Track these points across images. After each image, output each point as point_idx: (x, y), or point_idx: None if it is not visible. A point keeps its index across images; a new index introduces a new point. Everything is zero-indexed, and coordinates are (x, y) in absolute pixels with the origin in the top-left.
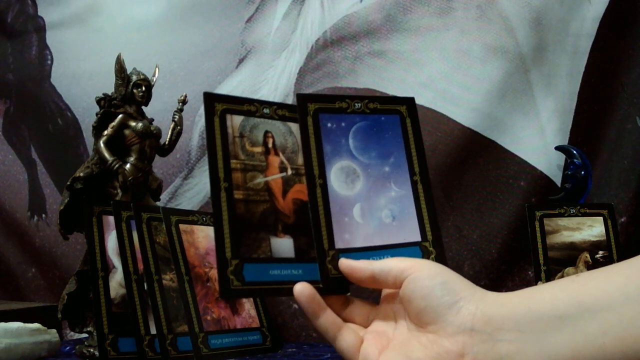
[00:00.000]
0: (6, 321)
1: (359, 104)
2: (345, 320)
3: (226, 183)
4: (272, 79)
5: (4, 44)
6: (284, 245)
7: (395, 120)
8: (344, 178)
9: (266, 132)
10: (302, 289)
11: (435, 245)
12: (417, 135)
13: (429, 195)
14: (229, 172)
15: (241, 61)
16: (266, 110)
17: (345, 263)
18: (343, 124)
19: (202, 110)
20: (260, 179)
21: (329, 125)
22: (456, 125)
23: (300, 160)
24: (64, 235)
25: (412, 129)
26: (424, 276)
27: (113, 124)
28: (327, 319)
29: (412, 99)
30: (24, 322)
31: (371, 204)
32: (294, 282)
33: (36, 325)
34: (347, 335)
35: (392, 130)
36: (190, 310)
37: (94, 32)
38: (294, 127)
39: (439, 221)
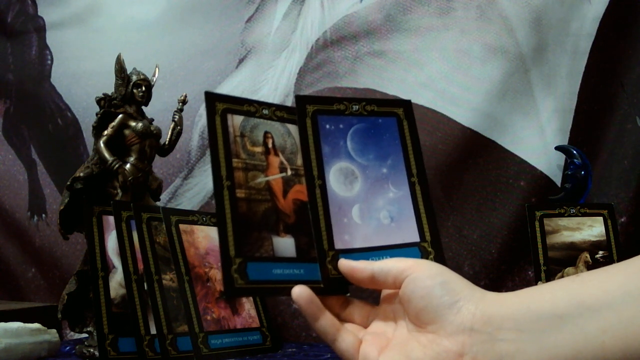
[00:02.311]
0: (6, 321)
1: (357, 106)
2: (345, 320)
3: (229, 181)
4: (272, 79)
5: (4, 44)
6: (285, 244)
7: (392, 122)
8: (342, 179)
9: (266, 133)
10: (301, 292)
11: (433, 245)
12: (414, 137)
13: (426, 196)
14: (231, 170)
15: (241, 61)
16: (265, 111)
17: (344, 264)
18: (341, 126)
19: (202, 111)
20: (261, 178)
21: (327, 126)
22: (456, 125)
23: (299, 161)
24: (64, 235)
25: (409, 131)
26: (424, 276)
27: (113, 124)
28: (326, 321)
29: (409, 101)
30: (24, 322)
31: (369, 205)
32: (296, 282)
33: (36, 325)
34: (345, 337)
35: (389, 132)
36: (190, 310)
37: (94, 32)
38: (293, 128)
39: (437, 222)
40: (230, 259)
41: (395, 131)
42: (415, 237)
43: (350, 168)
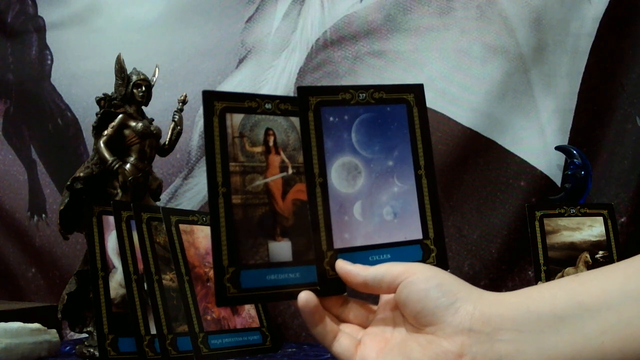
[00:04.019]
0: (6, 321)
1: (364, 94)
2: (344, 320)
3: (224, 188)
4: (272, 79)
5: (4, 44)
6: (282, 248)
7: (401, 110)
8: (345, 175)
9: (267, 130)
10: (307, 300)
11: (436, 242)
12: (424, 126)
13: (433, 190)
14: (228, 176)
15: (241, 61)
16: (268, 106)
17: (340, 266)
18: (346, 117)
19: (202, 110)
20: (259, 182)
21: (331, 119)
22: (456, 125)
23: (301, 157)
24: (64, 235)
25: (419, 119)
26: (419, 279)
27: (113, 124)
28: (324, 326)
29: (421, 85)
30: (24, 322)
31: (372, 201)
32: (291, 286)
33: (36, 325)
34: (342, 340)
35: (397, 121)
36: (190, 310)
37: (94, 32)
38: (297, 121)
39: (442, 218)
40: (223, 269)
41: (404, 119)
42: (418, 234)
43: (353, 162)
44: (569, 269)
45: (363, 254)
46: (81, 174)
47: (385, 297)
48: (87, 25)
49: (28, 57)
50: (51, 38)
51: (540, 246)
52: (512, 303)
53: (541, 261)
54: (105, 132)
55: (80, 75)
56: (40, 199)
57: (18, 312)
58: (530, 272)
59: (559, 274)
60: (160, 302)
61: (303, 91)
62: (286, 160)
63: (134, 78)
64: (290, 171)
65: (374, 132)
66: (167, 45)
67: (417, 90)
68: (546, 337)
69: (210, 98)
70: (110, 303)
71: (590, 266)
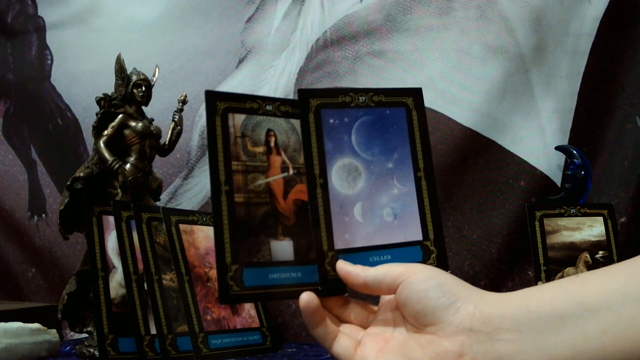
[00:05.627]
0: (6, 321)
1: (363, 97)
2: (345, 321)
3: (227, 186)
4: (272, 79)
5: (4, 44)
6: (283, 248)
7: (400, 113)
8: (345, 176)
9: (268, 131)
10: (309, 301)
11: (436, 243)
12: (422, 129)
13: (432, 192)
14: (230, 174)
15: (241, 61)
16: (269, 107)
17: (341, 266)
18: (346, 120)
19: (202, 110)
20: (261, 181)
21: (331, 121)
22: (456, 125)
23: (302, 159)
24: (64, 235)
25: (418, 122)
26: (419, 280)
27: (113, 124)
28: (325, 327)
29: (419, 89)
30: (24, 322)
31: (373, 203)
32: (293, 285)
33: (36, 325)
34: (342, 341)
35: (397, 124)
36: (190, 310)
37: (94, 32)
38: (297, 124)
39: (441, 219)
40: (227, 266)
41: (403, 123)
42: (418, 235)
43: (353, 164)
44: (569, 269)
45: (363, 254)
46: (81, 174)
47: (385, 298)
48: (87, 25)
49: (28, 57)
50: (51, 38)
51: (540, 246)
52: (512, 303)
53: (541, 261)
54: (105, 132)
55: (80, 75)
56: (40, 199)
57: (18, 312)
58: (530, 272)
59: (559, 274)
60: (160, 302)
61: (303, 93)
62: (287, 160)
63: (134, 78)
64: (291, 172)
65: (374, 134)
66: (167, 45)
67: (416, 94)
68: (546, 337)
69: (213, 98)
70: (110, 303)
71: (590, 266)
